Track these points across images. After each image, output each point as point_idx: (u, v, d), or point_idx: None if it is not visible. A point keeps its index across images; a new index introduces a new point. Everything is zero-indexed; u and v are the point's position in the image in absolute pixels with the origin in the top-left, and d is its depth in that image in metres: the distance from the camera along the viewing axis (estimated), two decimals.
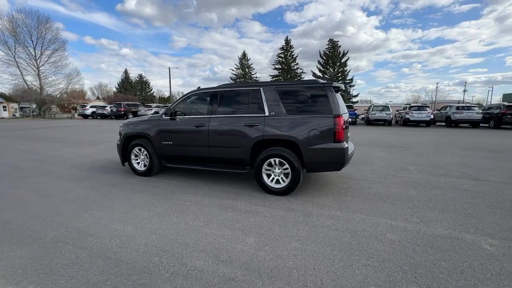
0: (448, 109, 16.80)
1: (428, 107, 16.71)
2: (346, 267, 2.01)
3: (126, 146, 4.68)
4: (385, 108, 17.34)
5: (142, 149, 4.49)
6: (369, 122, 17.88)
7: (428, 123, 16.35)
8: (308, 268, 2.00)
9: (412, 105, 17.41)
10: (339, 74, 42.37)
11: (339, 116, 3.30)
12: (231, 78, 49.26)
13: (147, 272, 1.95)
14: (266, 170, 3.63)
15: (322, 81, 3.51)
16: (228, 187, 4.00)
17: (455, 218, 2.89)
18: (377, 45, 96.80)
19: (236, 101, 3.87)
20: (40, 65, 37.53)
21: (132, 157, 4.63)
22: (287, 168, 3.49)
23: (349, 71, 42.53)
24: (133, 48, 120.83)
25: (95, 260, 2.10)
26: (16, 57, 35.42)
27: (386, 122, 17.55)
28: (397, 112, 19.56)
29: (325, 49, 42.69)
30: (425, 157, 6.40)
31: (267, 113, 3.60)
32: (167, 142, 4.25)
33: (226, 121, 3.82)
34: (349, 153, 3.59)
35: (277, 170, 3.58)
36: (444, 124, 17.34)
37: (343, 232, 2.57)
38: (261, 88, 3.71)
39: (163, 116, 4.29)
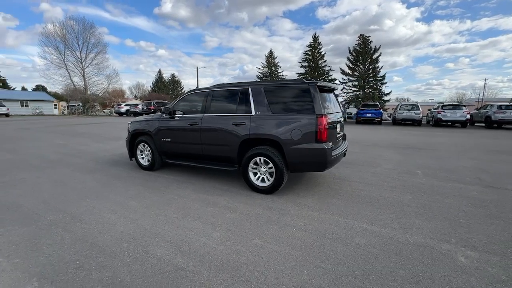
0: (488, 108, 15.09)
1: (464, 106, 15.16)
2: (296, 267, 2.03)
3: (132, 142, 5.08)
4: (414, 107, 16.11)
5: (146, 145, 4.84)
6: (395, 122, 16.79)
7: (464, 124, 14.83)
8: (259, 264, 2.06)
9: (445, 103, 15.92)
10: (370, 71, 40.22)
11: (321, 116, 3.25)
12: (257, 77, 49.48)
13: (112, 256, 2.16)
14: (253, 168, 3.70)
15: (308, 80, 3.46)
16: (220, 184, 4.14)
17: (441, 226, 2.70)
18: (417, 39, 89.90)
19: (227, 101, 4.00)
20: (85, 67, 41.46)
21: (138, 152, 5.01)
22: (271, 167, 3.53)
23: (381, 67, 40.11)
24: (168, 49, 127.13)
25: (74, 242, 2.38)
26: (65, 60, 39.53)
27: (415, 122, 16.33)
28: (428, 112, 18.07)
29: (355, 45, 40.80)
30: (442, 160, 5.92)
31: (253, 113, 3.66)
32: (166, 139, 4.54)
33: (217, 120, 3.96)
34: (336, 153, 3.52)
35: (262, 169, 3.64)
36: (483, 125, 15.63)
37: (311, 233, 2.56)
38: (249, 88, 3.78)
39: (163, 115, 4.58)
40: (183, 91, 78.17)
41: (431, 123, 16.84)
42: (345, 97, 42.45)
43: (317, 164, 3.37)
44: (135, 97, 72.49)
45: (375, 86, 40.19)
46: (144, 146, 4.89)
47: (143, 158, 4.98)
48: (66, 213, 3.00)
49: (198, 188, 3.95)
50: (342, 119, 4.23)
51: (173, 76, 76.29)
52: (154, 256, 2.16)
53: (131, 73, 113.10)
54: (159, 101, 28.41)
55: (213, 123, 3.98)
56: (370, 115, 17.13)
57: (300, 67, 46.09)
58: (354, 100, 39.15)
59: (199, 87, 38.13)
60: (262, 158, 3.58)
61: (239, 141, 3.72)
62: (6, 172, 4.80)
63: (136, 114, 26.89)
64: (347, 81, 41.49)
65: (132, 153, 5.12)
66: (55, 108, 41.69)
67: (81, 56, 40.94)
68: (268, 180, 3.60)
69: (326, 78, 43.73)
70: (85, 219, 2.86)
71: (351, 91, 41.72)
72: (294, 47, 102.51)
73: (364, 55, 40.01)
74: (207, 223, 2.77)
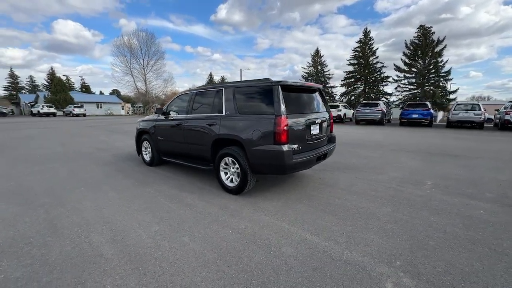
0: None
1: None
2: (199, 268, 2.02)
3: (139, 140, 5.62)
4: (473, 106, 13.53)
5: (148, 143, 5.31)
6: (450, 124, 14.40)
7: None
8: (167, 260, 2.12)
9: None
10: (431, 67, 35.41)
11: (280, 116, 3.09)
12: (303, 77, 48.47)
13: (59, 237, 2.49)
14: (224, 168, 3.74)
15: (274, 80, 3.32)
16: (201, 182, 4.29)
17: (397, 246, 2.31)
18: (504, 26, 75.15)
19: (205, 102, 4.11)
20: (146, 73, 47.01)
21: (143, 149, 5.53)
22: (238, 168, 3.51)
23: (446, 62, 34.92)
24: (222, 53, 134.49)
25: (43, 222, 2.80)
26: (131, 67, 45.46)
27: (474, 125, 13.73)
28: (496, 112, 14.97)
29: (413, 38, 36.48)
30: (474, 170, 4.93)
31: (223, 113, 3.70)
32: (160, 138, 4.91)
33: (196, 120, 4.11)
34: (302, 157, 3.30)
35: (231, 169, 3.64)
36: None
37: (244, 237, 2.49)
38: (223, 89, 3.82)
39: (159, 115, 4.95)
40: None
41: (498, 125, 13.95)
42: (399, 97, 38.40)
43: (276, 167, 3.22)
44: None
45: (437, 83, 35.27)
46: (146, 143, 5.37)
47: (146, 154, 5.47)
48: (56, 198, 3.53)
49: (178, 184, 4.16)
50: (325, 120, 3.92)
51: (222, 78, 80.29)
52: (88, 242, 2.41)
53: (189, 76, 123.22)
54: None
55: (193, 123, 4.14)
56: (416, 116, 15.08)
57: (348, 64, 43.51)
58: (410, 100, 35.03)
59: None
60: (230, 159, 3.59)
61: (211, 141, 3.80)
62: (45, 161, 5.85)
63: None
64: (402, 78, 37.43)
65: (139, 150, 5.67)
66: (122, 109, 48.19)
67: (143, 63, 46.51)
68: (236, 180, 3.59)
69: (378, 76, 40.27)
70: (66, 204, 3.33)
71: (407, 89, 37.49)
72: (349, 44, 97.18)
73: (424, 48, 35.49)
74: (156, 217, 2.93)
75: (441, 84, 35.08)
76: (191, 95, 4.42)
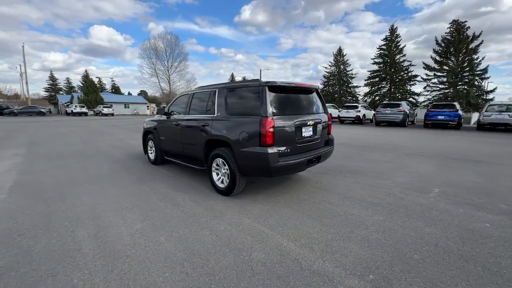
0: None
1: None
2: (164, 267, 2.04)
3: (145, 139, 5.83)
4: (510, 107, 12.24)
5: (152, 142, 5.49)
6: (482, 127, 13.18)
7: None
8: (137, 258, 2.16)
9: None
10: (465, 64, 32.78)
11: (266, 117, 3.02)
12: (324, 76, 47.35)
13: (50, 230, 2.65)
14: (216, 169, 3.75)
15: (263, 81, 3.25)
16: (196, 182, 4.34)
17: (374, 259, 2.16)
18: None
19: (201, 103, 4.15)
20: (170, 74, 48.81)
21: (148, 148, 5.73)
22: (228, 169, 3.50)
23: (482, 59, 32.12)
24: (245, 53, 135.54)
25: (39, 216, 3.00)
26: (156, 69, 47.46)
27: (510, 128, 12.40)
28: None
29: (444, 34, 34.04)
30: (494, 178, 4.47)
31: (215, 114, 3.71)
32: (162, 138, 5.05)
33: (191, 121, 4.17)
34: (291, 160, 3.20)
35: (222, 170, 3.65)
36: None
37: (219, 239, 2.48)
38: (216, 90, 3.83)
39: (162, 116, 5.10)
40: None
41: None
42: (428, 97, 36.04)
43: (261, 170, 3.16)
44: None
45: (471, 82, 32.61)
46: (151, 143, 5.56)
47: (151, 153, 5.67)
48: (59, 193, 3.77)
49: (174, 184, 4.25)
50: (320, 122, 3.78)
51: (244, 79, 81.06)
52: (72, 236, 2.54)
53: (213, 77, 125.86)
54: None
55: (189, 124, 4.21)
56: (442, 117, 13.99)
57: (373, 63, 41.78)
58: (442, 100, 32.74)
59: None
60: (220, 160, 3.59)
61: (204, 142, 3.83)
62: (64, 158, 6.28)
63: None
64: (432, 77, 35.10)
65: (145, 148, 5.88)
66: (147, 109, 50.48)
67: (167, 64, 48.33)
68: (226, 182, 3.59)
69: (404, 75, 38.17)
70: (66, 199, 3.54)
71: (437, 89, 35.09)
72: (376, 42, 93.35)
73: (457, 45, 33.01)
74: (142, 215, 3.02)
75: (476, 83, 32.40)
76: (189, 96, 4.50)
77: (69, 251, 2.27)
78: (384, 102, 19.99)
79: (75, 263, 2.11)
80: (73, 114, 33.53)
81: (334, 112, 19.78)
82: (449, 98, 32.47)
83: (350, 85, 45.76)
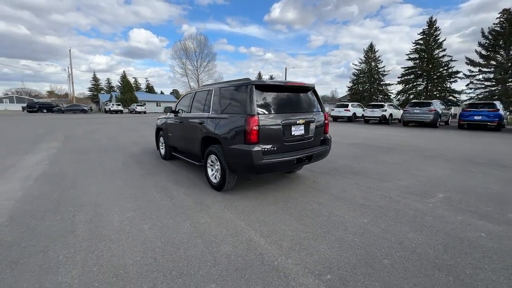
0: None
1: None
2: (137, 252, 2.23)
3: (157, 135, 6.21)
4: None
5: (163, 139, 5.84)
6: None
7: None
8: (118, 242, 2.39)
9: None
10: None
11: (251, 116, 3.08)
12: (354, 74, 45.44)
13: (56, 213, 3.01)
14: (210, 165, 3.91)
15: (253, 80, 3.31)
16: (197, 177, 4.54)
17: (340, 260, 2.13)
18: None
19: (200, 101, 4.33)
20: (199, 74, 50.57)
21: (160, 144, 6.10)
22: (220, 166, 3.63)
23: None
24: (274, 52, 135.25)
25: (52, 201, 3.41)
26: (186, 69, 49.50)
27: None
28: None
29: (492, 25, 30.57)
30: None
31: (210, 112, 3.85)
32: (170, 134, 5.35)
33: (191, 119, 4.38)
34: (276, 158, 3.23)
35: (215, 167, 3.79)
36: None
37: (195, 231, 2.62)
38: (212, 89, 3.97)
39: (170, 114, 5.40)
40: None
41: None
42: (471, 95, 32.75)
43: (246, 167, 3.22)
44: None
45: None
46: (162, 139, 5.91)
47: (162, 149, 6.02)
48: (74, 182, 4.22)
49: (175, 178, 4.50)
50: (313, 121, 3.73)
51: (271, 77, 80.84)
52: (72, 220, 2.86)
53: (241, 76, 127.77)
54: None
55: (190, 121, 4.42)
56: (479, 118, 12.63)
57: (408, 59, 39.14)
58: (487, 99, 29.63)
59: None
60: (214, 156, 3.73)
61: (200, 138, 4.01)
62: (89, 152, 6.94)
63: None
64: (477, 73, 31.84)
65: (158, 144, 6.27)
66: None
67: (196, 64, 50.13)
68: (218, 178, 3.72)
69: (444, 72, 35.13)
70: (78, 188, 3.95)
71: (483, 86, 31.74)
72: (414, 36, 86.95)
73: (507, 37, 29.51)
74: (136, 205, 3.27)
75: None
76: (192, 94, 4.72)
77: (65, 232, 2.58)
78: (413, 101, 18.63)
79: (65, 242, 2.39)
80: (110, 111, 36.44)
81: (358, 111, 18.95)
82: (495, 97, 29.26)
83: (381, 83, 43.37)
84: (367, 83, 43.62)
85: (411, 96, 37.22)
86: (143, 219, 2.88)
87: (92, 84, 62.64)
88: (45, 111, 34.81)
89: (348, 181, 4.27)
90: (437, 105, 14.55)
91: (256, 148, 3.10)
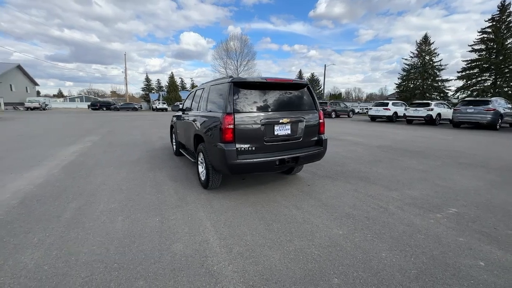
0: None
1: None
2: (98, 242, 2.37)
3: (171, 133, 6.53)
4: None
5: (174, 136, 6.12)
6: None
7: None
8: (88, 230, 2.57)
9: None
10: None
11: (227, 114, 3.00)
12: (403, 70, 41.29)
13: (58, 197, 3.38)
14: (201, 163, 3.94)
15: (232, 77, 3.21)
16: (194, 175, 4.63)
17: (282, 270, 1.94)
18: None
19: (196, 100, 4.39)
20: (239, 73, 51.73)
21: (172, 140, 6.40)
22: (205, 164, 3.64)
23: None
24: (319, 49, 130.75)
25: (63, 187, 3.84)
26: (226, 68, 51.11)
27: None
28: None
29: None
30: None
31: (201, 110, 3.88)
32: (177, 132, 5.57)
33: (188, 117, 4.47)
34: (253, 158, 3.09)
35: (204, 164, 3.81)
36: None
37: (160, 226, 2.67)
38: (204, 87, 3.99)
39: (178, 112, 5.61)
40: (320, 90, 79.14)
41: None
42: None
43: (221, 166, 3.15)
44: None
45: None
46: (174, 136, 6.20)
47: (174, 145, 6.32)
48: (88, 173, 4.68)
49: (174, 174, 4.66)
50: (302, 120, 3.46)
51: (312, 75, 78.46)
52: (65, 206, 3.17)
53: (284, 74, 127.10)
54: None
55: (186, 120, 4.53)
56: None
57: (471, 51, 34.17)
58: None
59: (324, 83, 37.12)
60: (202, 154, 3.76)
61: (192, 136, 4.07)
62: (118, 145, 7.65)
63: None
64: None
65: (172, 141, 6.60)
66: None
67: (236, 64, 51.38)
68: (204, 175, 3.74)
69: None
70: (88, 177, 4.38)
71: None
72: (485, 24, 75.54)
73: None
74: (125, 197, 3.48)
75: None
76: (193, 93, 4.82)
77: (52, 217, 2.87)
78: (467, 98, 16.10)
79: (47, 226, 2.66)
80: (156, 109, 39.70)
81: (400, 110, 17.13)
82: None
83: (437, 78, 38.66)
84: (418, 79, 39.33)
85: (474, 93, 32.36)
86: (121, 211, 3.05)
87: (144, 85, 69.05)
88: (104, 108, 39.62)
89: (347, 187, 3.89)
90: (498, 104, 12.28)
91: (230, 147, 3.02)
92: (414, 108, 15.25)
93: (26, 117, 20.87)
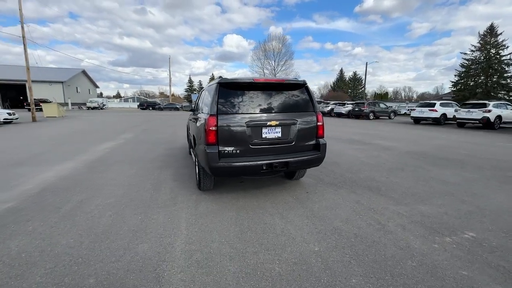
0: None
1: None
2: (76, 234, 2.52)
3: (187, 133, 6.75)
4: None
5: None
6: None
7: None
8: (76, 222, 2.76)
9: None
10: None
11: (210, 116, 2.94)
12: (462, 65, 36.36)
13: (71, 188, 3.73)
14: (196, 164, 3.97)
15: (223, 78, 3.12)
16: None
17: (220, 286, 1.80)
18: None
19: (199, 101, 4.42)
20: (276, 73, 51.58)
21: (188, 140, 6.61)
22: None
23: None
24: (365, 46, 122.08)
25: (78, 178, 4.23)
26: (264, 68, 51.37)
27: None
28: None
29: None
30: None
31: (199, 111, 3.89)
32: (188, 131, 5.72)
33: (193, 117, 4.53)
34: (236, 162, 2.97)
35: (197, 165, 3.82)
36: None
37: (138, 224, 2.74)
38: (205, 88, 3.99)
39: (190, 112, 5.76)
40: (362, 89, 74.36)
41: None
42: None
43: (206, 168, 3.08)
44: (321, 96, 78.61)
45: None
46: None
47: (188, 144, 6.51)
48: (107, 168, 5.07)
49: (178, 173, 4.77)
50: (295, 123, 3.22)
51: (354, 74, 74.30)
52: (69, 199, 3.47)
53: (326, 73, 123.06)
54: (318, 100, 29.71)
55: (192, 120, 4.59)
56: None
57: None
58: None
59: (365, 82, 34.77)
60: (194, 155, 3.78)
61: (192, 137, 4.12)
62: (144, 143, 8.20)
63: None
64: None
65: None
66: None
67: (274, 64, 51.29)
68: (197, 176, 3.74)
69: None
70: (103, 172, 4.74)
71: None
72: None
73: None
74: (123, 194, 3.66)
75: None
76: (199, 94, 4.89)
77: (54, 208, 3.16)
78: None
79: (46, 216, 2.93)
80: None
81: (450, 112, 15.05)
82: None
83: (505, 75, 33.28)
84: (481, 76, 34.33)
85: None
86: (113, 207, 3.21)
87: (187, 86, 73.51)
88: (150, 108, 43.16)
89: (350, 197, 3.51)
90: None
91: (212, 149, 2.95)
92: (466, 110, 13.21)
93: (85, 115, 23.84)
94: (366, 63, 32.15)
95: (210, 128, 2.97)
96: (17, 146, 7.61)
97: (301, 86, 3.43)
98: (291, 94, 3.37)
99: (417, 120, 16.09)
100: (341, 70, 76.63)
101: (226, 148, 3.02)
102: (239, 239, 2.45)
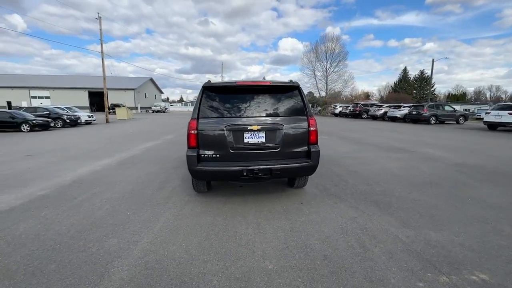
0: None
1: None
2: (65, 229, 2.86)
3: None
4: None
5: None
6: None
7: None
8: (71, 216, 3.14)
9: None
10: None
11: (192, 119, 3.00)
12: None
13: (83, 187, 4.29)
14: None
15: (207, 82, 3.11)
16: None
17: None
18: None
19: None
20: (328, 75, 49.43)
21: None
22: None
23: None
24: (438, 40, 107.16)
25: (102, 173, 4.83)
26: (315, 70, 49.74)
27: None
28: None
29: None
30: None
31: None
32: None
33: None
34: (215, 166, 2.93)
35: None
36: None
37: (125, 223, 2.95)
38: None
39: None
40: (432, 89, 65.14)
41: None
42: None
43: (189, 171, 3.10)
44: (381, 97, 72.21)
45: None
46: None
47: None
48: (133, 166, 5.64)
49: (182, 173, 4.96)
50: (280, 128, 3.00)
51: (421, 73, 65.99)
52: (84, 191, 3.97)
53: (388, 73, 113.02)
54: (367, 102, 27.28)
55: None
56: None
57: None
58: None
59: (431, 80, 30.36)
60: None
61: None
62: (177, 144, 8.84)
63: (345, 115, 28.16)
64: None
65: None
66: None
67: (326, 65, 49.21)
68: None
69: None
70: (128, 170, 5.29)
71: None
72: None
73: None
74: (131, 189, 4.02)
75: None
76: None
77: (71, 198, 3.66)
78: None
79: (60, 204, 3.42)
80: None
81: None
82: None
83: None
84: None
85: None
86: (114, 201, 3.55)
87: None
88: None
89: (347, 213, 3.10)
90: None
91: (192, 152, 2.99)
92: (496, 112, 10.24)
93: (148, 118, 27.07)
94: (433, 59, 28.10)
95: (191, 132, 3.02)
96: (82, 142, 9.13)
97: (293, 89, 3.20)
98: (280, 97, 3.17)
99: (493, 126, 13.19)
100: (405, 69, 69.03)
101: (206, 152, 3.03)
102: (199, 246, 2.41)
